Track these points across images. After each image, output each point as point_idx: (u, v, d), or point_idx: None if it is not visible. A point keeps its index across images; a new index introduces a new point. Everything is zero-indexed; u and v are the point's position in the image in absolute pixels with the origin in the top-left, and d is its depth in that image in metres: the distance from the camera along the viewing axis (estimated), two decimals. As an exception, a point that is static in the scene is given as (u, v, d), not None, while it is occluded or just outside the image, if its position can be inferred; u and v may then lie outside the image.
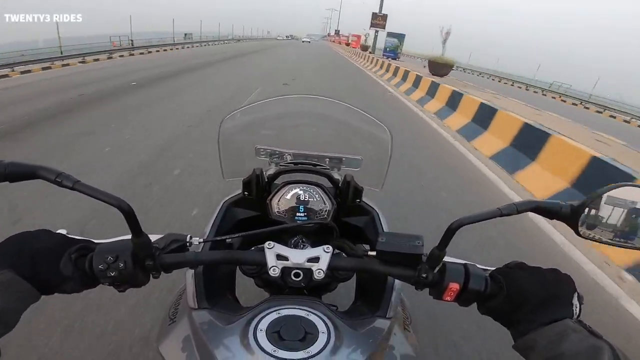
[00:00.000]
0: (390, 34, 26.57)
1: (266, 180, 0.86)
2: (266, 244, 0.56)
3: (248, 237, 0.81)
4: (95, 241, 0.53)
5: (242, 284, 0.90)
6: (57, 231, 0.53)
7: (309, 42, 68.96)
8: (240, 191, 0.87)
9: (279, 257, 0.55)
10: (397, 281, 0.67)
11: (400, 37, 26.31)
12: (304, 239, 0.83)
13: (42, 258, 0.46)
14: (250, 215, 0.90)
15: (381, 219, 0.86)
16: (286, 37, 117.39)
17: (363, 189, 0.87)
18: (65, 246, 0.48)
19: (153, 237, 0.54)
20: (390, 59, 21.94)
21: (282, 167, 0.89)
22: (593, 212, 0.48)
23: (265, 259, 0.54)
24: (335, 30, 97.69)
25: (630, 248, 0.49)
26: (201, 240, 0.59)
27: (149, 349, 1.54)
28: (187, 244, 0.57)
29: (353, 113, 0.95)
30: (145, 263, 0.50)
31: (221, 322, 0.56)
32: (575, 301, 0.46)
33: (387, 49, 26.42)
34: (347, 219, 0.91)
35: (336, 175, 0.89)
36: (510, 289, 0.48)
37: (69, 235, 0.53)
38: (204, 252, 0.62)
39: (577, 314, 0.46)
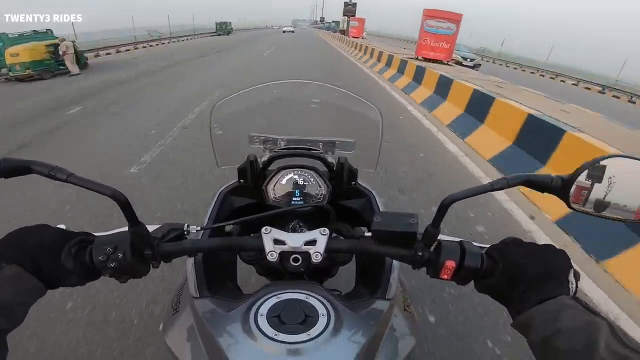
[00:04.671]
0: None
1: (261, 166, 0.85)
2: (263, 229, 0.55)
3: (245, 224, 0.81)
4: (95, 234, 0.52)
5: (245, 276, 0.91)
6: (57, 226, 0.52)
7: (292, 31, 47.61)
8: (236, 180, 0.86)
9: (276, 241, 0.54)
10: (395, 262, 0.67)
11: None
12: (301, 224, 0.82)
13: (43, 252, 0.45)
14: (248, 203, 0.90)
15: (377, 200, 0.85)
16: None
17: (357, 170, 0.86)
18: (65, 240, 0.48)
19: (150, 228, 0.53)
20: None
21: (276, 152, 0.87)
22: (583, 184, 0.47)
23: (263, 244, 0.53)
24: (321, 18, 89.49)
25: (621, 221, 0.48)
26: (198, 228, 0.59)
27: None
28: (185, 232, 0.56)
29: (343, 95, 0.96)
30: (144, 253, 0.49)
31: (223, 309, 0.56)
32: (571, 278, 0.46)
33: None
34: (343, 202, 0.90)
35: (330, 159, 0.88)
36: (506, 265, 0.47)
37: (68, 230, 0.52)
38: (202, 239, 0.61)
39: (574, 290, 0.45)
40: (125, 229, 0.49)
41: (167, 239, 0.53)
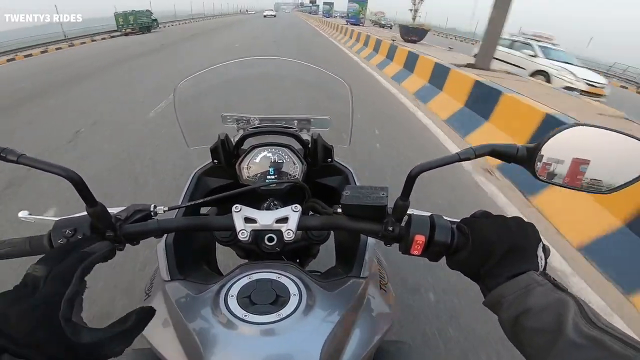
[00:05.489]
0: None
1: (233, 144, 0.83)
2: (233, 208, 0.53)
3: (222, 206, 0.79)
4: (55, 219, 0.50)
5: (231, 260, 0.90)
6: (19, 212, 0.52)
7: (274, 15, 48.82)
8: (210, 161, 0.85)
9: (247, 220, 0.52)
10: (370, 240, 0.66)
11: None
12: (275, 202, 0.80)
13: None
14: (223, 184, 0.88)
15: (354, 177, 0.84)
16: None
17: (333, 147, 0.85)
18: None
19: (116, 210, 0.52)
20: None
21: (248, 130, 0.85)
22: (548, 154, 0.45)
23: (234, 222, 0.52)
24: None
25: (587, 191, 0.46)
26: (166, 208, 0.57)
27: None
28: (152, 213, 0.55)
29: (313, 71, 0.94)
30: (105, 234, 0.48)
31: (193, 292, 0.55)
32: (540, 253, 0.45)
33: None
34: (320, 180, 0.89)
35: (305, 136, 0.86)
36: (476, 239, 0.46)
37: (30, 216, 0.51)
38: (169, 219, 0.59)
39: (543, 266, 0.44)
40: (85, 213, 0.47)
41: (132, 220, 0.52)
